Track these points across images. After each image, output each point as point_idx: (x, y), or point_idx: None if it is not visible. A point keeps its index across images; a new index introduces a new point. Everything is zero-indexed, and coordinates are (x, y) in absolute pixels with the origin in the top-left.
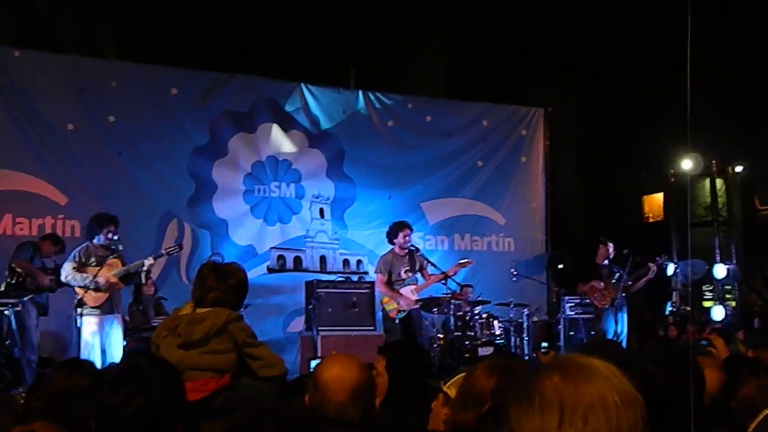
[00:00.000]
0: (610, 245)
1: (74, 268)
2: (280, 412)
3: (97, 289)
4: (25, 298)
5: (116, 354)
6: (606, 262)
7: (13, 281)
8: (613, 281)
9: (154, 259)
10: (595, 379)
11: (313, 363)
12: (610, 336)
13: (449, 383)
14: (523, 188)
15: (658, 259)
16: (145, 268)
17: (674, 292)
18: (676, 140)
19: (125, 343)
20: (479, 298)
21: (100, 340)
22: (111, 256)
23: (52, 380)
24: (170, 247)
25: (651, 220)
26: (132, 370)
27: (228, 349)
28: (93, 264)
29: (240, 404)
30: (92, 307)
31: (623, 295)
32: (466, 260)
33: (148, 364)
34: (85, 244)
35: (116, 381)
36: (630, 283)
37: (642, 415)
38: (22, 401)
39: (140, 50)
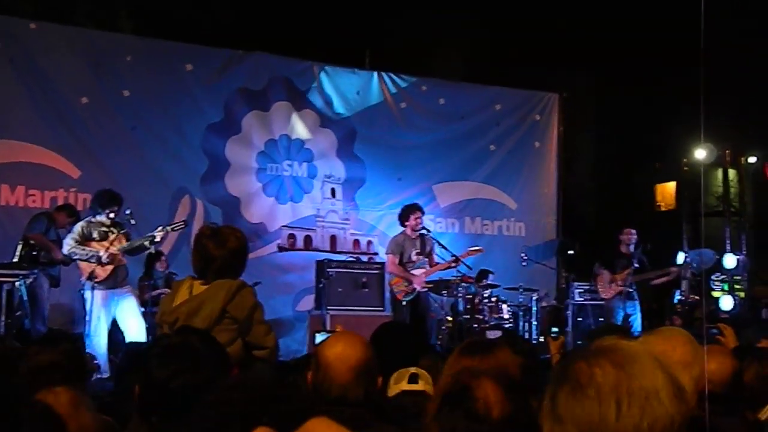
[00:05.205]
0: (632, 233)
1: (77, 241)
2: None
3: (99, 263)
4: (38, 270)
5: (133, 326)
6: (632, 249)
7: (26, 253)
8: (626, 273)
9: (161, 236)
10: (647, 369)
11: (318, 337)
12: (618, 322)
13: None
14: (536, 173)
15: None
16: (158, 239)
17: (683, 281)
18: (690, 130)
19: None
20: (488, 282)
21: (107, 314)
22: (118, 232)
23: (32, 356)
24: (175, 223)
25: (663, 208)
26: (183, 346)
27: (232, 338)
28: (96, 239)
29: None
30: (97, 282)
31: (633, 286)
32: (477, 248)
33: (201, 342)
34: (86, 219)
35: (165, 355)
36: (649, 278)
37: (689, 402)
38: None
39: (156, 25)
